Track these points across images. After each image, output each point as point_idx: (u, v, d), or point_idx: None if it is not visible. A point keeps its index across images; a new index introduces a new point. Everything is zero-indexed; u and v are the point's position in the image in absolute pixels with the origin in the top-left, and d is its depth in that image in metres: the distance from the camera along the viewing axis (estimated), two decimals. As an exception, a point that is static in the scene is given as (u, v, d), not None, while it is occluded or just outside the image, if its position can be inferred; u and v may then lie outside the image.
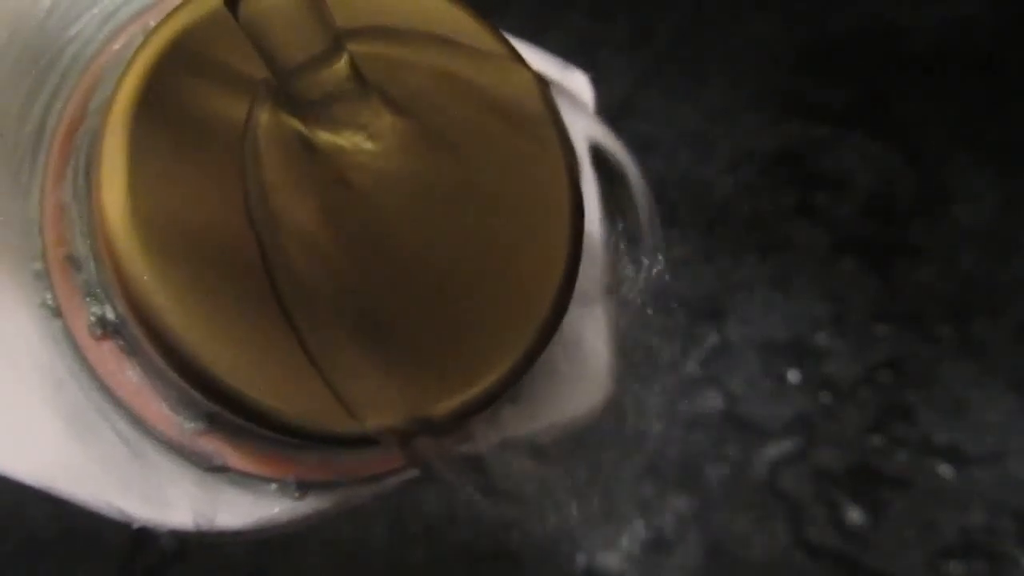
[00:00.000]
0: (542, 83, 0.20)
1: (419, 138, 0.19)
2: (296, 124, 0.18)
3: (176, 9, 0.19)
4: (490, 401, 0.19)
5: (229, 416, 0.18)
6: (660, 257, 0.21)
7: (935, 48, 0.53)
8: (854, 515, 0.46)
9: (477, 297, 0.19)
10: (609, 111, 0.23)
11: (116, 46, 0.20)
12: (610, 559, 0.46)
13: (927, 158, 0.52)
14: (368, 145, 0.19)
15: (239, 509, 0.20)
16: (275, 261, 0.18)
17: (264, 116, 0.18)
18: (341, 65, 0.18)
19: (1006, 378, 0.48)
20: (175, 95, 0.18)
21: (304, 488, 0.20)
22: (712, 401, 0.48)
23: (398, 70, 0.19)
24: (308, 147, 0.18)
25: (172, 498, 0.19)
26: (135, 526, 0.19)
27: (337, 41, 0.17)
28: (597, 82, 0.23)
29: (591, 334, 0.20)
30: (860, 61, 0.54)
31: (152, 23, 0.20)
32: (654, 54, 0.54)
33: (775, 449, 0.48)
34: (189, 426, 0.19)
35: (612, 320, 0.21)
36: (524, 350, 0.19)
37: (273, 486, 0.20)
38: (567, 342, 0.20)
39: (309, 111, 0.18)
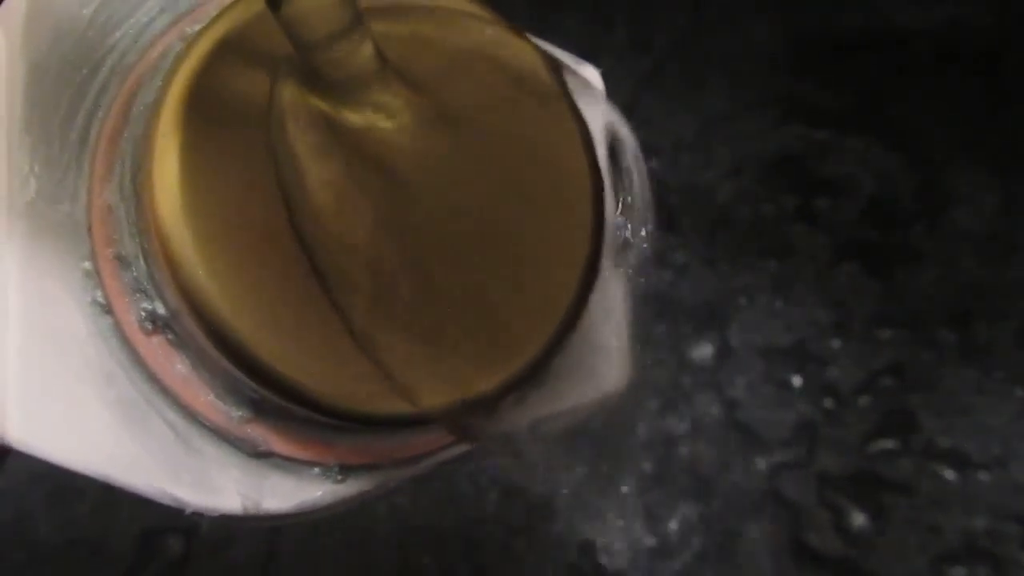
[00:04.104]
0: (545, 56, 0.21)
1: (435, 115, 0.19)
2: (319, 103, 0.19)
3: (216, 16, 0.20)
4: (528, 377, 0.19)
5: (275, 401, 0.19)
6: (649, 227, 0.21)
7: (935, 51, 0.53)
8: (857, 520, 0.46)
9: (507, 272, 0.20)
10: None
11: (154, 55, 0.21)
12: (614, 562, 0.46)
13: (927, 161, 0.52)
14: (386, 123, 0.19)
15: (284, 493, 0.20)
16: (310, 240, 0.18)
17: (287, 93, 0.19)
18: (363, 43, 0.18)
19: (1009, 382, 0.48)
20: (221, 96, 0.19)
21: (345, 471, 0.21)
22: (714, 407, 0.48)
23: (411, 47, 0.20)
24: (331, 125, 0.19)
25: (221, 484, 0.20)
26: (187, 511, 0.20)
27: (360, 17, 0.18)
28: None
29: (609, 316, 0.21)
30: (860, 65, 0.54)
31: (188, 30, 0.21)
32: (653, 60, 0.54)
33: (778, 455, 0.48)
34: (236, 414, 0.20)
35: (628, 302, 0.21)
36: (557, 325, 0.19)
37: (316, 470, 0.20)
38: (589, 325, 0.20)
39: (332, 90, 0.19)
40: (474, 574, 0.46)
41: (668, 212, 0.52)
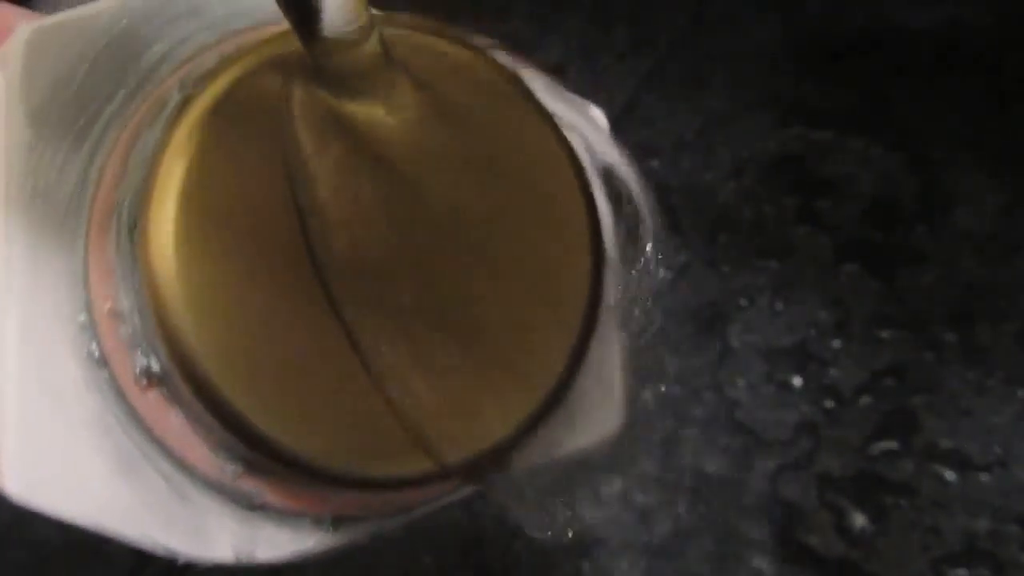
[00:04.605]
0: (515, 76, 0.21)
1: (438, 111, 0.20)
2: (327, 98, 0.19)
3: (218, 68, 0.19)
4: (533, 425, 0.19)
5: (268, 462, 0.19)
6: (657, 270, 0.21)
7: (936, 52, 0.53)
8: (858, 521, 0.46)
9: (513, 314, 0.20)
10: (610, 117, 0.23)
11: (153, 104, 0.20)
12: (614, 563, 0.46)
13: (929, 162, 0.52)
14: (392, 117, 0.19)
15: (277, 543, 0.20)
16: (318, 241, 0.18)
17: (298, 90, 0.19)
18: (372, 42, 0.18)
19: (1010, 382, 0.48)
20: (219, 153, 0.19)
21: (338, 522, 0.21)
22: (715, 408, 0.48)
23: (419, 51, 0.20)
24: (339, 120, 0.19)
25: (214, 534, 0.20)
26: (180, 562, 0.20)
27: (371, 19, 0.18)
28: (598, 88, 0.24)
29: (607, 357, 0.21)
30: (861, 65, 0.54)
31: (187, 80, 0.20)
32: (655, 60, 0.54)
33: (778, 455, 0.48)
34: (230, 468, 0.20)
35: (624, 342, 0.21)
36: (562, 368, 0.19)
37: (309, 520, 0.21)
38: (588, 368, 0.20)
39: (340, 85, 0.19)
40: (474, 574, 0.46)
41: (668, 213, 0.52)
